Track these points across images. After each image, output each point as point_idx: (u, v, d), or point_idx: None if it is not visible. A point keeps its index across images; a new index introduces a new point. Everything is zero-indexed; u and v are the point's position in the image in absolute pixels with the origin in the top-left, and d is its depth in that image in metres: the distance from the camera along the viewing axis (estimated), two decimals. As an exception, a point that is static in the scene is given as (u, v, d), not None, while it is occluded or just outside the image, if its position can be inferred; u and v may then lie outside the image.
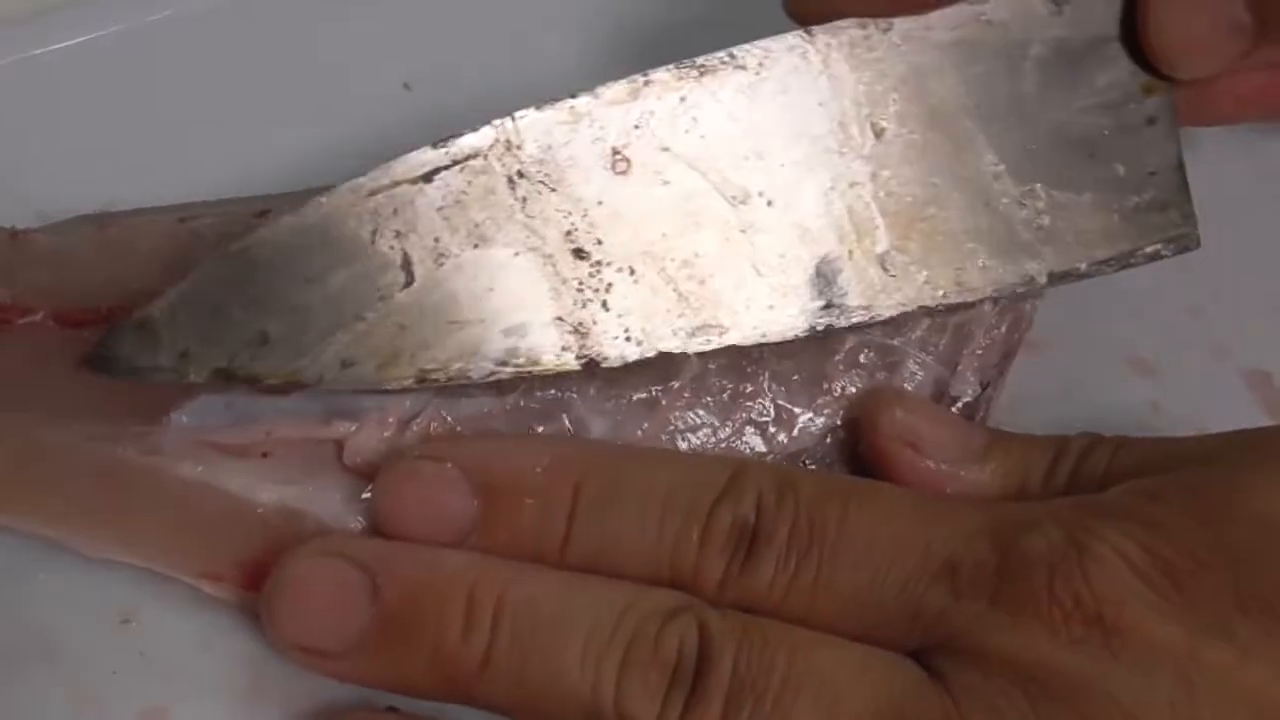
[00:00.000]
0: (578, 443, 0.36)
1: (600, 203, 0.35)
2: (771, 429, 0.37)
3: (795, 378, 0.37)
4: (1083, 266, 0.38)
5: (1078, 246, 0.38)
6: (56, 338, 0.36)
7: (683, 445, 0.36)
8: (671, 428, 0.36)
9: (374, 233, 0.34)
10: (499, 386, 0.36)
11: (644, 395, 0.36)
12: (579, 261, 0.35)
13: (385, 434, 0.35)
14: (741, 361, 0.37)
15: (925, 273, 0.37)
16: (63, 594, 0.35)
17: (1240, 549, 0.31)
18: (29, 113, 0.41)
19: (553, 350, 0.35)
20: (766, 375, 0.37)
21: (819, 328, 0.37)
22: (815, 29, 0.36)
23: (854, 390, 0.37)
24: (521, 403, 0.36)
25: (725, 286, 0.36)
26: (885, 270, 0.37)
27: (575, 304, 0.35)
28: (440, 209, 0.35)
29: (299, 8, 0.42)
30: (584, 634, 0.32)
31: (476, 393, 0.36)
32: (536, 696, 0.32)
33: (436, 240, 0.35)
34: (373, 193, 0.34)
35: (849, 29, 0.37)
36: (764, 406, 0.37)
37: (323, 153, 0.40)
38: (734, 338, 0.36)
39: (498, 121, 0.35)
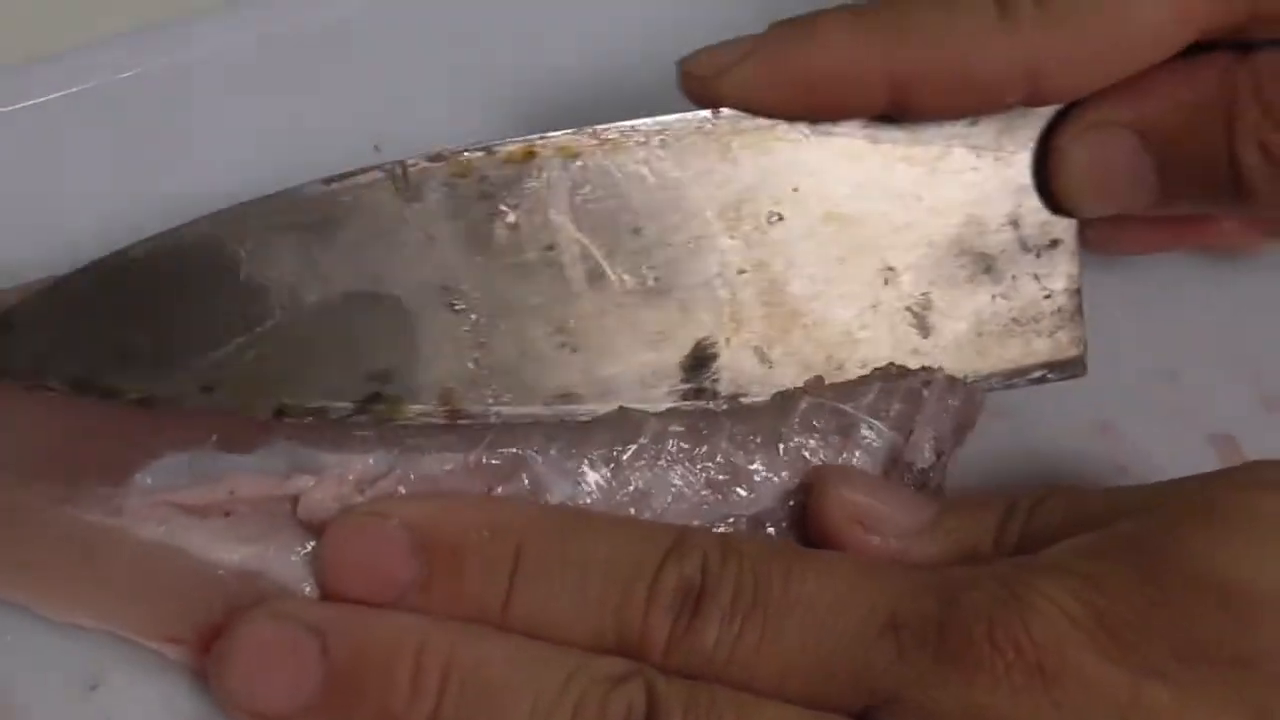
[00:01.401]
0: (522, 505, 0.36)
1: (480, 259, 0.35)
2: (731, 490, 0.37)
3: (753, 439, 0.37)
4: (966, 380, 0.38)
5: (963, 359, 0.38)
6: (19, 399, 0.35)
7: (643, 506, 0.36)
8: (632, 488, 0.36)
9: (250, 259, 0.34)
10: (464, 443, 0.36)
11: (604, 454, 0.36)
12: (453, 315, 0.35)
13: (341, 490, 0.35)
14: (699, 423, 0.37)
15: (803, 368, 0.37)
16: (30, 658, 0.35)
17: (1176, 603, 0.31)
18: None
19: (416, 400, 0.35)
20: (724, 437, 0.37)
21: (683, 408, 0.36)
22: (724, 111, 0.36)
23: (809, 453, 0.37)
24: (484, 459, 0.36)
25: (597, 357, 0.36)
26: (761, 360, 0.37)
27: (444, 357, 0.35)
28: (320, 245, 0.35)
29: (265, 69, 0.42)
30: (530, 699, 0.32)
31: (438, 450, 0.36)
32: None
33: (312, 275, 0.34)
34: (254, 220, 0.34)
35: (752, 120, 0.36)
36: (722, 467, 0.36)
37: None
38: (594, 407, 0.36)
39: (389, 165, 0.35)
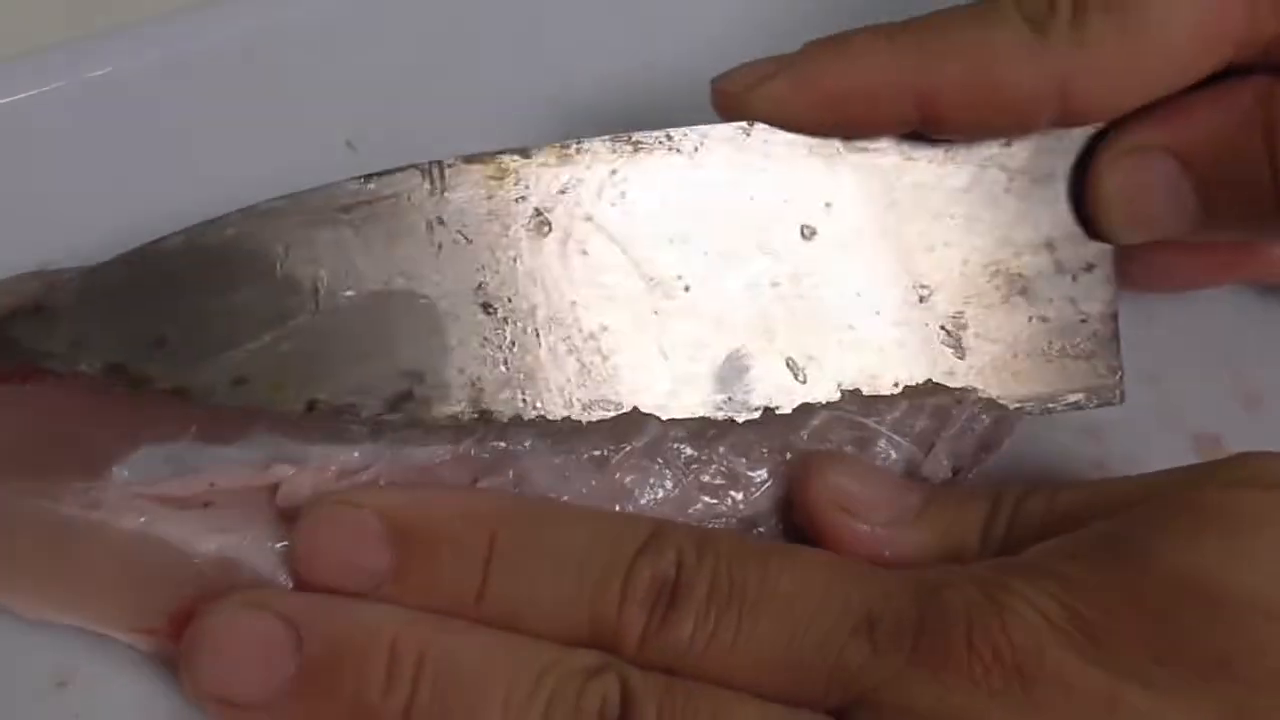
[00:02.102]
0: (496, 495, 0.36)
1: (515, 261, 0.36)
2: (723, 494, 0.36)
3: (759, 449, 0.37)
4: (1001, 402, 0.38)
5: (1000, 382, 0.38)
6: None
7: (628, 504, 0.36)
8: (619, 487, 0.36)
9: (286, 255, 0.35)
10: (452, 435, 0.36)
11: (596, 453, 0.36)
12: (486, 316, 0.35)
13: (322, 478, 0.35)
14: (706, 429, 0.36)
15: (836, 383, 0.37)
16: None
17: (1155, 606, 0.31)
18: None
19: (446, 401, 0.35)
20: (727, 444, 0.36)
21: (717, 418, 0.36)
22: (756, 125, 0.36)
23: None
24: (472, 452, 0.36)
25: (628, 364, 0.36)
26: (794, 374, 0.37)
27: (476, 358, 0.35)
28: (356, 242, 0.35)
29: (240, 66, 0.42)
30: (503, 691, 0.32)
31: (427, 441, 0.36)
32: None
33: (346, 273, 0.35)
34: (291, 216, 0.35)
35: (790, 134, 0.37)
36: (717, 472, 0.36)
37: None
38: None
39: (426, 166, 0.35)
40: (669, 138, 0.36)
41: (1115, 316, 0.38)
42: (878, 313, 0.37)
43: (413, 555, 0.34)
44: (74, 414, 0.35)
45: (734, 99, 0.36)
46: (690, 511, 0.36)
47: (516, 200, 0.36)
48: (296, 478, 0.35)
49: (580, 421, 0.36)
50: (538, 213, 0.36)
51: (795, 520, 0.37)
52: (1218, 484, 0.32)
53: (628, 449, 0.36)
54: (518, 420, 0.35)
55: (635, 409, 0.36)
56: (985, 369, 0.38)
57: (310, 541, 0.35)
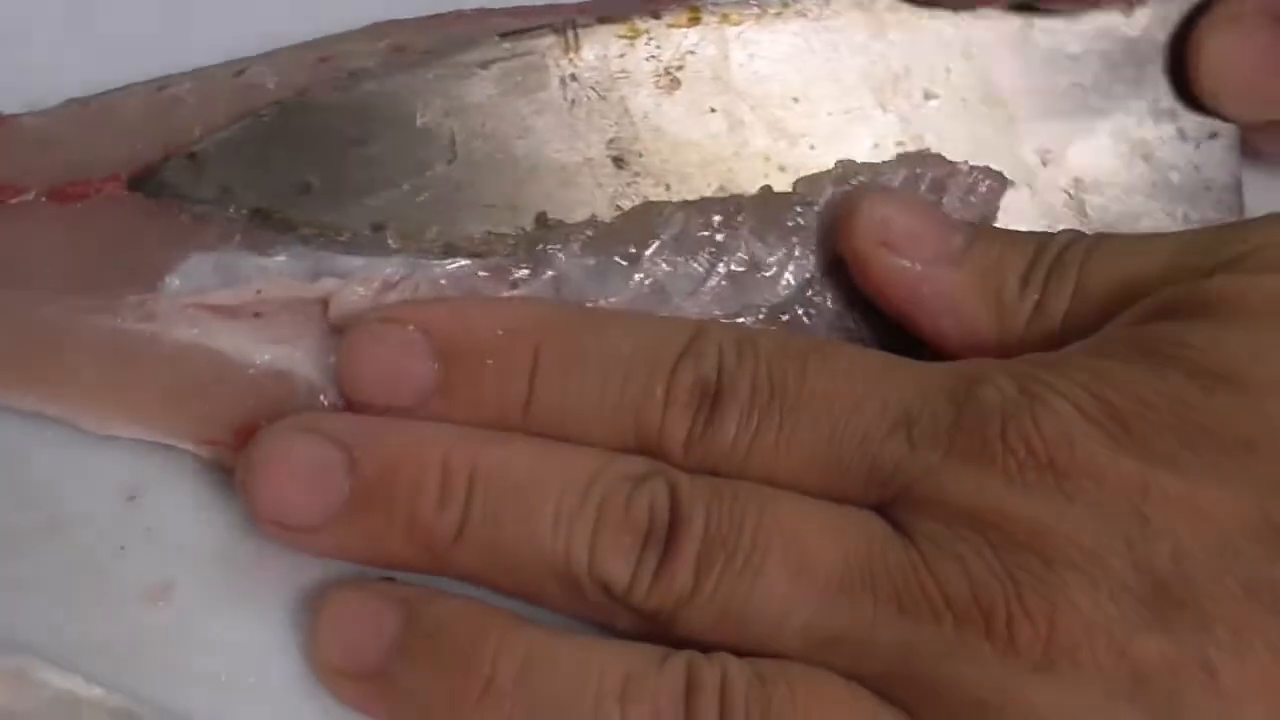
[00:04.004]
0: (539, 304, 0.36)
1: (646, 117, 0.37)
2: (752, 281, 0.36)
3: (772, 229, 0.37)
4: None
5: (1121, 245, 0.38)
6: (50, 214, 0.36)
7: (663, 299, 0.36)
8: (652, 280, 0.36)
9: (424, 107, 0.36)
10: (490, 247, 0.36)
11: (630, 250, 0.36)
12: (618, 170, 0.36)
13: (369, 292, 0.35)
14: (720, 217, 0.36)
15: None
16: (67, 474, 0.36)
17: (1181, 393, 0.31)
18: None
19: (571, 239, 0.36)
20: (746, 229, 0.36)
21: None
22: (877, -10, 0.38)
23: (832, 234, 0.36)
24: (510, 262, 0.36)
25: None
26: None
27: (608, 210, 0.36)
28: (491, 96, 0.36)
29: None
30: (554, 501, 0.32)
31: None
32: (511, 564, 0.33)
33: (483, 124, 0.36)
34: (429, 70, 0.36)
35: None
36: (743, 260, 0.36)
37: (304, 19, 0.39)
38: None
39: (560, 24, 0.37)
40: (793, 0, 0.37)
41: (1239, 187, 0.38)
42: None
43: (458, 369, 0.34)
44: (124, 229, 0.36)
45: None
46: (723, 300, 0.36)
47: (647, 59, 0.37)
48: (346, 290, 0.35)
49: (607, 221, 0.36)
50: (667, 70, 0.37)
51: (832, 303, 0.37)
52: (1247, 270, 0.33)
53: (657, 242, 0.36)
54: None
55: (647, 200, 0.36)
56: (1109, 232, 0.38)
57: (354, 360, 0.34)
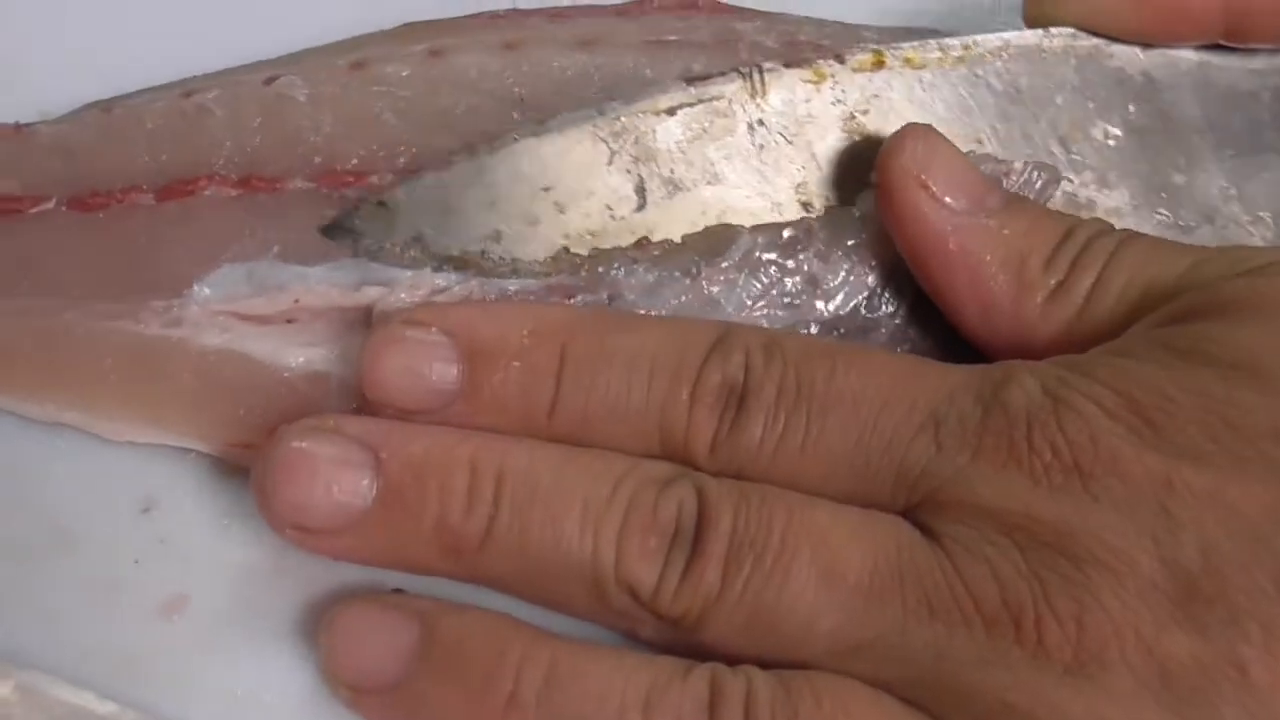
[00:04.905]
0: (564, 306, 0.36)
1: (832, 162, 0.37)
2: (809, 296, 0.36)
3: (836, 247, 0.36)
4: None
5: None
6: (71, 223, 0.36)
7: (716, 314, 0.36)
8: (707, 294, 0.36)
9: (612, 156, 0.36)
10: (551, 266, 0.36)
11: (692, 267, 0.36)
12: (805, 214, 0.36)
13: (415, 298, 0.35)
14: (791, 234, 0.36)
15: None
16: (82, 485, 0.35)
17: (1204, 387, 0.31)
18: (27, 13, 0.41)
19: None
20: (812, 250, 0.36)
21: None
22: (1054, 31, 0.38)
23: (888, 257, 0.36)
24: (566, 281, 0.36)
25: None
26: None
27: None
28: (679, 143, 0.36)
29: None
30: (581, 505, 0.32)
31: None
32: (538, 568, 0.32)
33: (672, 171, 0.36)
34: (615, 119, 0.36)
35: (1087, 39, 0.38)
36: (802, 277, 0.36)
37: (327, 18, 0.39)
38: None
39: (745, 70, 0.37)
40: (975, 44, 0.37)
41: None
42: (1180, 211, 0.38)
43: (483, 371, 0.34)
44: (151, 239, 0.36)
45: (1047, 2, 0.37)
46: (778, 320, 0.36)
47: (833, 103, 0.37)
48: (391, 296, 0.35)
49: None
50: (852, 115, 0.37)
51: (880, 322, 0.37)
52: (1266, 276, 0.33)
53: (722, 263, 0.36)
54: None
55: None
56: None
57: (377, 363, 0.34)
